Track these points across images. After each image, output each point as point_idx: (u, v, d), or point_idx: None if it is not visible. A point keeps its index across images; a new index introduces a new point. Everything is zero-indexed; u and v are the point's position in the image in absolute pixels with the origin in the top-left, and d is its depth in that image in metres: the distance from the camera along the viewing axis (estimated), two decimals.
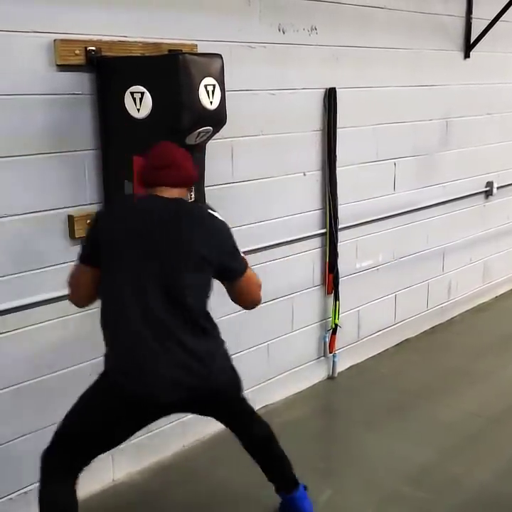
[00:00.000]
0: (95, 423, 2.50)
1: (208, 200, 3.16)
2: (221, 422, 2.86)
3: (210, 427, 3.72)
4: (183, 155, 2.56)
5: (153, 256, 2.41)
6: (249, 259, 3.71)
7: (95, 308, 3.08)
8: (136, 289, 2.41)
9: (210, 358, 2.51)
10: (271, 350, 3.99)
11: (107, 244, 2.45)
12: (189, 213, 2.52)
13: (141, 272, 2.41)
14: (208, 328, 2.57)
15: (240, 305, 2.73)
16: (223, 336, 3.67)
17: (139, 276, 2.41)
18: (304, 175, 4.00)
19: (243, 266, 2.61)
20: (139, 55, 2.99)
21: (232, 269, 2.57)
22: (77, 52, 2.81)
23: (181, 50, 3.05)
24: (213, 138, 3.00)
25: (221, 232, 2.54)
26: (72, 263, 2.96)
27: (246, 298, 2.69)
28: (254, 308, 2.77)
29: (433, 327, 5.21)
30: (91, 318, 3.09)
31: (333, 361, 4.39)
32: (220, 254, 2.50)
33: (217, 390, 2.55)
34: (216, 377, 2.51)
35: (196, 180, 2.68)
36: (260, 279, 2.72)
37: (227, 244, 2.54)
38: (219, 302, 3.63)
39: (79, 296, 2.60)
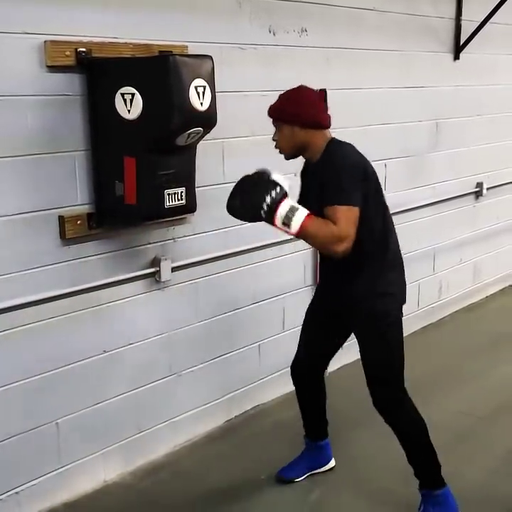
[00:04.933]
0: None
1: (199, 202, 3.18)
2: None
3: (201, 427, 3.73)
4: None
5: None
6: (241, 259, 3.76)
7: (86, 309, 3.10)
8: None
9: None
10: (262, 351, 4.00)
11: (372, 182, 2.82)
12: None
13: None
14: None
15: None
16: (214, 336, 3.71)
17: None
18: (295, 175, 4.00)
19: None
20: (129, 56, 3.00)
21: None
22: (67, 53, 2.82)
23: (172, 52, 3.07)
24: (204, 139, 3.01)
25: None
26: (64, 263, 2.99)
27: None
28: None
29: (424, 327, 5.23)
30: (83, 318, 3.10)
31: None
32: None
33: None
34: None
35: None
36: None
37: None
38: (209, 305, 3.66)
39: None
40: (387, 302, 2.89)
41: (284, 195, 2.61)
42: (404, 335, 5.11)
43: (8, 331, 2.86)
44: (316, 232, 2.63)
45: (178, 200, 3.00)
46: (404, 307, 2.87)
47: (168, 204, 2.96)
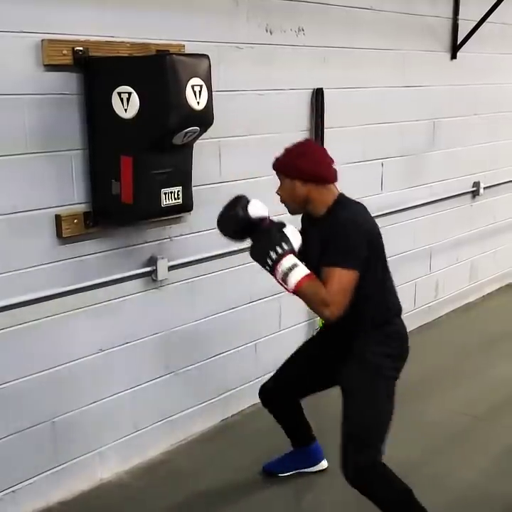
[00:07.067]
0: None
1: (196, 201, 3.18)
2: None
3: (197, 426, 3.74)
4: None
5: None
6: (237, 258, 3.76)
7: (82, 308, 3.10)
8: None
9: None
10: (258, 350, 4.00)
11: (376, 244, 2.73)
12: None
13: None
14: None
15: None
16: (210, 335, 3.71)
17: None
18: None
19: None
20: (126, 55, 2.99)
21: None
22: (64, 52, 2.81)
23: (168, 51, 3.07)
24: (201, 138, 3.01)
25: None
26: (60, 262, 2.99)
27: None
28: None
29: (420, 326, 5.23)
30: (80, 317, 3.10)
31: None
32: None
33: None
34: None
35: None
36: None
37: None
38: (206, 303, 3.66)
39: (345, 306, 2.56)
40: (381, 359, 2.75)
41: (289, 251, 2.56)
42: None
43: (5, 329, 2.86)
44: (308, 294, 2.55)
45: (175, 199, 3.00)
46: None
47: (164, 203, 2.96)
